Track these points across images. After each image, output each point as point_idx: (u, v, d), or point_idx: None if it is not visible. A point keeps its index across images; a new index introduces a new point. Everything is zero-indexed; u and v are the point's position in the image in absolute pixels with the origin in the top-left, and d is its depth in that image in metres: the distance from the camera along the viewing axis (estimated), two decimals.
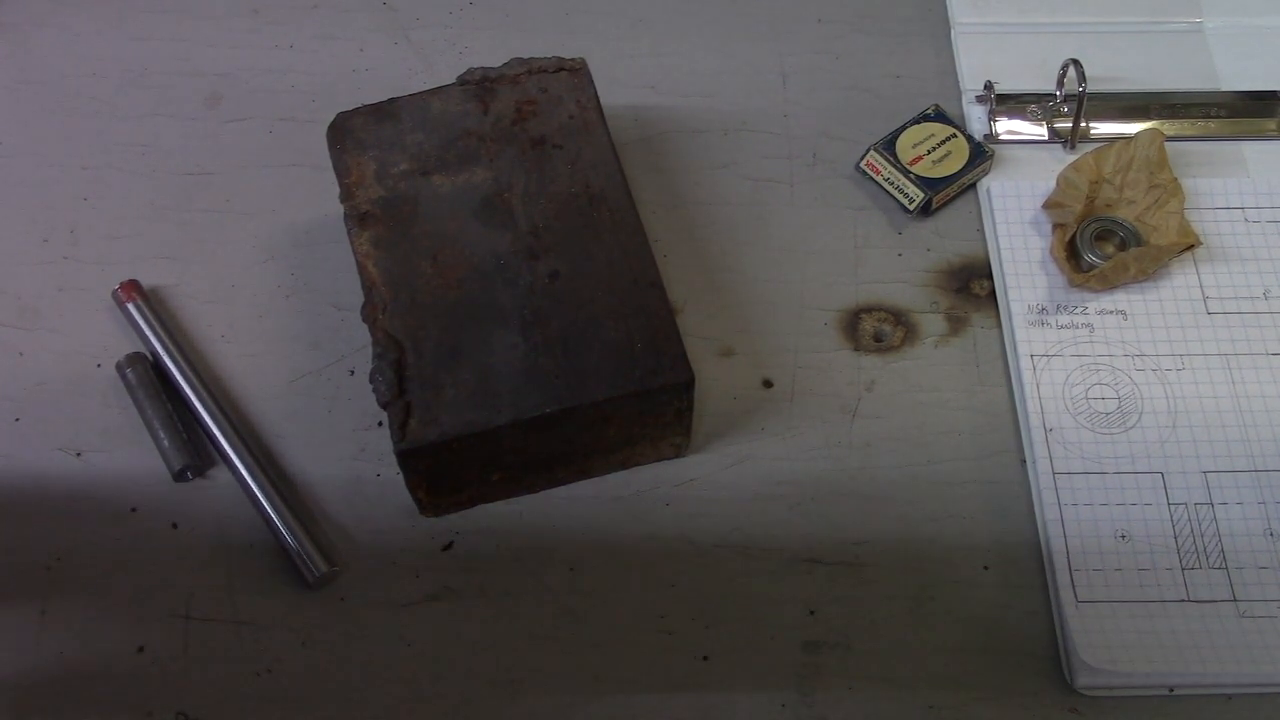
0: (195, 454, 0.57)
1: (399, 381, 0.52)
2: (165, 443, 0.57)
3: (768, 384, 0.61)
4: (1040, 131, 0.68)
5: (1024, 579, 0.55)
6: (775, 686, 0.53)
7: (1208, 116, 0.68)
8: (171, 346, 0.60)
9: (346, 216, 0.57)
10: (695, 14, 0.73)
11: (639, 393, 0.52)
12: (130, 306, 0.60)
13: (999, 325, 0.62)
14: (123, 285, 0.61)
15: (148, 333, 0.60)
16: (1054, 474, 0.57)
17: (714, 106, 0.69)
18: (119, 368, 0.59)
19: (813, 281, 0.63)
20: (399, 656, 0.54)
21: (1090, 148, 0.65)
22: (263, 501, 0.56)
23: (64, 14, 0.73)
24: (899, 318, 0.62)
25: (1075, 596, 0.54)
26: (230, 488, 0.57)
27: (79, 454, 0.58)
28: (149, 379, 0.59)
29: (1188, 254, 0.63)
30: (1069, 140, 0.67)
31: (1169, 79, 0.70)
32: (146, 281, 0.62)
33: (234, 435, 0.57)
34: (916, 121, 0.67)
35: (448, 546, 0.56)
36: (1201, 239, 0.63)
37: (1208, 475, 0.57)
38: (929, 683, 0.53)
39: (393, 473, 0.57)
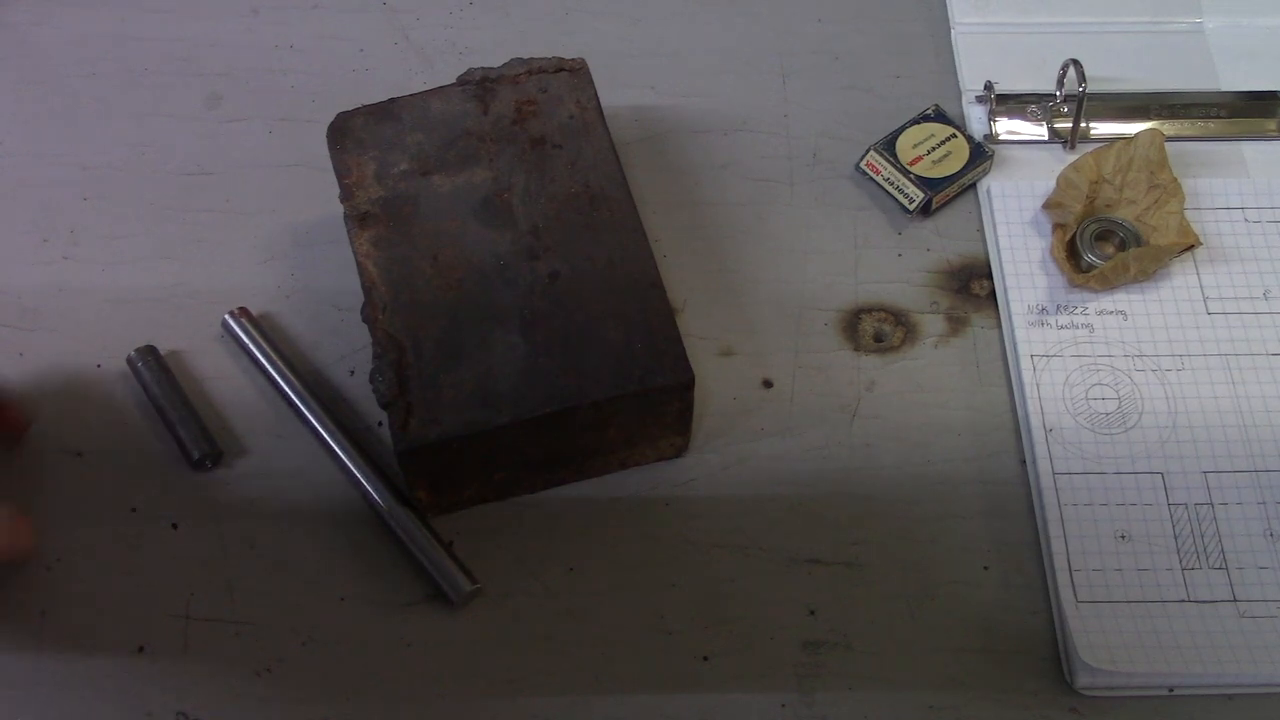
0: (212, 443, 0.57)
1: (399, 381, 0.52)
2: (183, 432, 0.57)
3: (768, 384, 0.61)
4: (1040, 131, 0.68)
5: (1024, 579, 0.55)
6: (775, 686, 0.53)
7: (1208, 116, 0.68)
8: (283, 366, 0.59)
9: (346, 216, 0.57)
10: (695, 14, 0.73)
11: (639, 393, 0.52)
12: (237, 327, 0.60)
13: (999, 325, 0.62)
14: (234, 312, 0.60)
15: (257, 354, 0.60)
16: (1054, 474, 0.57)
17: (714, 106, 0.69)
18: (130, 361, 0.59)
19: (813, 281, 0.63)
20: (400, 656, 0.54)
21: (1090, 148, 0.65)
22: (402, 537, 0.55)
23: (64, 14, 0.72)
24: (899, 318, 0.62)
25: (1075, 596, 0.54)
26: (239, 482, 0.57)
27: (79, 454, 0.58)
28: (163, 371, 0.59)
29: (1188, 254, 0.63)
30: (1069, 140, 0.67)
31: (1169, 79, 0.70)
32: (146, 281, 0.62)
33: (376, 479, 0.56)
34: (916, 121, 0.67)
35: (448, 546, 0.56)
36: (1201, 239, 0.63)
37: (1208, 475, 0.57)
38: (929, 683, 0.53)
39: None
